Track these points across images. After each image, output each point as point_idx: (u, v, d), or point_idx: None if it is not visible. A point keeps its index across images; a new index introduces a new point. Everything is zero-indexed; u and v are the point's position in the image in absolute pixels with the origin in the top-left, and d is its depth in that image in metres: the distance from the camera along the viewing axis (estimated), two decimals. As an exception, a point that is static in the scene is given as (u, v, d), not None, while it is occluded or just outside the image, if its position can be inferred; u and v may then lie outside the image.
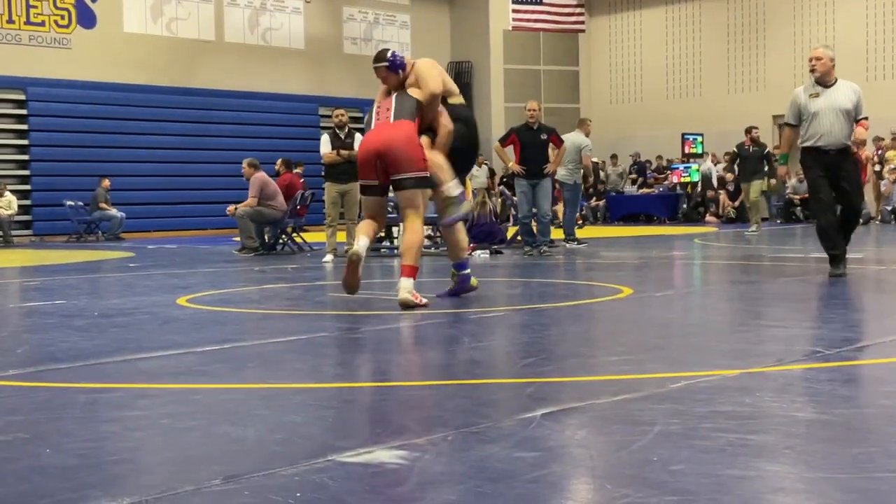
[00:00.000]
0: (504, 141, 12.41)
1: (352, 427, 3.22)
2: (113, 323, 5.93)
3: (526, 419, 3.12)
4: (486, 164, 23.30)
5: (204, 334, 5.40)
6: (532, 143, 11.98)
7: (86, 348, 4.92)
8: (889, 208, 20.30)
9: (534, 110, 12.03)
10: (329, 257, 11.46)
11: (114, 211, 19.53)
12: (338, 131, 11.79)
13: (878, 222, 20.35)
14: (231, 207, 13.30)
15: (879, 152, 21.21)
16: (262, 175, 13.35)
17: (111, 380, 4.07)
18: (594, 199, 24.57)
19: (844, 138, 7.82)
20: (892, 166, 20.57)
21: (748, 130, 16.97)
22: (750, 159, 16.86)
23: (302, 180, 21.01)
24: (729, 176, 22.76)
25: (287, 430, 3.08)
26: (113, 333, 5.49)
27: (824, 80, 7.92)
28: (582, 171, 13.78)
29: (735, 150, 17.68)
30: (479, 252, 11.82)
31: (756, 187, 16.82)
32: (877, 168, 20.75)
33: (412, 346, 5.02)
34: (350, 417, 3.38)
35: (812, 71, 8.02)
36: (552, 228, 12.78)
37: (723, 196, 23.17)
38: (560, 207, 15.41)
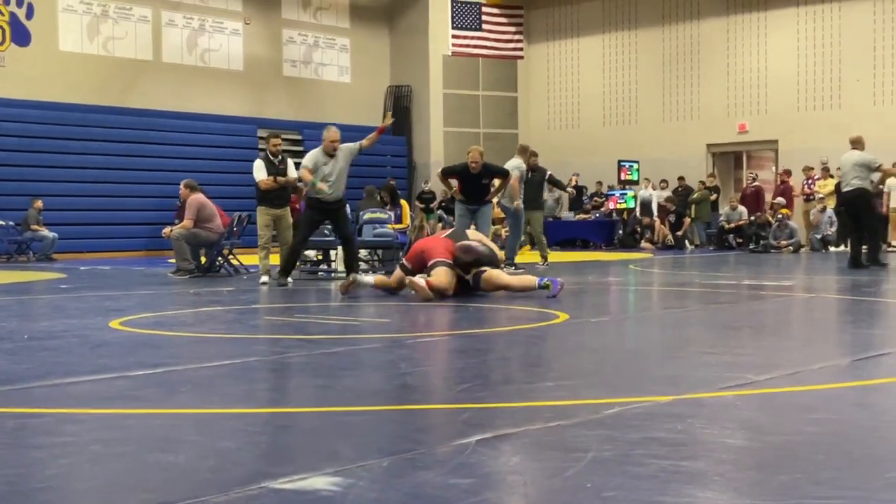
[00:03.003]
0: (446, 175, 12.84)
1: (285, 453, 3.19)
2: (43, 346, 5.82)
3: (461, 445, 3.13)
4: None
5: (136, 358, 5.33)
6: (473, 184, 12.39)
7: (14, 372, 4.83)
8: (818, 237, 20.71)
9: (476, 162, 12.24)
10: (265, 278, 11.43)
11: (46, 231, 19.18)
12: (272, 158, 11.85)
13: (807, 250, 20.76)
14: (167, 229, 13.15)
15: (809, 182, 21.65)
16: (199, 197, 13.23)
17: (40, 404, 4.00)
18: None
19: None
20: (821, 196, 21.01)
21: (530, 155, 15.15)
22: (530, 185, 14.97)
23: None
24: (671, 205, 23.07)
25: (219, 456, 3.05)
26: (42, 357, 5.40)
27: None
28: (522, 196, 13.93)
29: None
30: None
31: (537, 218, 15.15)
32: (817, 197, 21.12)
33: (347, 370, 5.00)
34: (284, 443, 3.36)
35: None
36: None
37: (657, 223, 23.46)
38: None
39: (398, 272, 9.32)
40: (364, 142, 11.09)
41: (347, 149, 10.90)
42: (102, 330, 6.64)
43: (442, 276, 8.86)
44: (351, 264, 11.08)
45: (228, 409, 3.91)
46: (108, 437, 3.36)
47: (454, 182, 12.66)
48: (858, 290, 10.18)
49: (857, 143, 13.81)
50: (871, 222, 13.85)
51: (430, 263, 9.00)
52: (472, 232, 9.87)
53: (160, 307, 8.78)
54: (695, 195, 23.13)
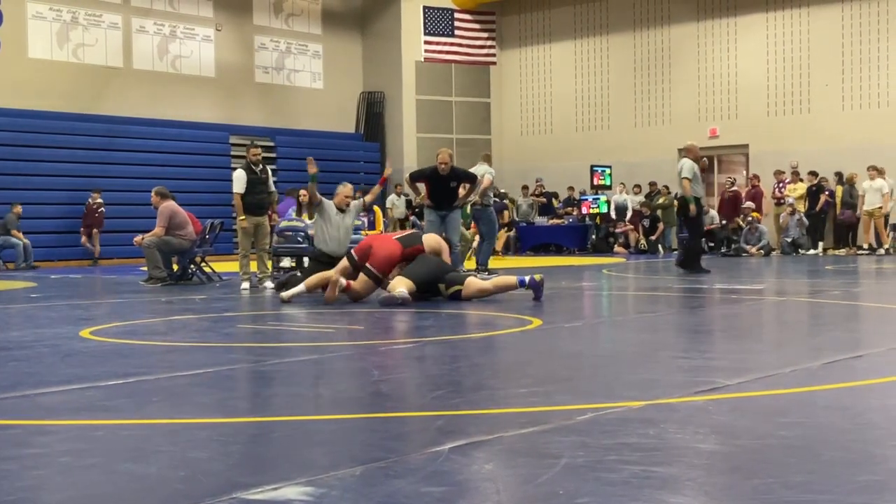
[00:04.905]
0: (415, 179, 12.82)
1: (258, 463, 3.18)
2: (11, 356, 5.77)
3: (434, 453, 3.13)
4: (404, 194, 23.37)
5: (107, 368, 5.29)
6: (441, 188, 12.39)
7: (-17, 383, 4.78)
8: (788, 240, 20.87)
9: (445, 163, 12.30)
10: (246, 285, 11.69)
11: (16, 238, 18.96)
12: (252, 167, 11.94)
13: (778, 254, 20.91)
14: (138, 237, 13.08)
15: (780, 185, 21.81)
16: (170, 204, 13.16)
17: (9, 416, 3.96)
18: (505, 229, 24.74)
19: None
20: (791, 200, 21.16)
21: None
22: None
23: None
24: (646, 210, 23.14)
25: (191, 466, 3.03)
26: (11, 367, 5.34)
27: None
28: (492, 203, 13.98)
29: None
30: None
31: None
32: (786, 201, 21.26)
33: (320, 379, 4.98)
34: (256, 453, 3.34)
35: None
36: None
37: (630, 228, 23.53)
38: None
39: (344, 261, 9.55)
40: (368, 197, 11.35)
41: (356, 206, 10.99)
42: (73, 339, 6.59)
43: (358, 285, 9.25)
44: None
45: (200, 418, 3.88)
46: (79, 448, 3.33)
47: (422, 187, 12.64)
48: (828, 293, 10.26)
49: (687, 152, 14.00)
50: (692, 228, 14.03)
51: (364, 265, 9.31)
52: (428, 237, 9.85)
53: (131, 316, 8.72)
54: (660, 200, 23.26)
